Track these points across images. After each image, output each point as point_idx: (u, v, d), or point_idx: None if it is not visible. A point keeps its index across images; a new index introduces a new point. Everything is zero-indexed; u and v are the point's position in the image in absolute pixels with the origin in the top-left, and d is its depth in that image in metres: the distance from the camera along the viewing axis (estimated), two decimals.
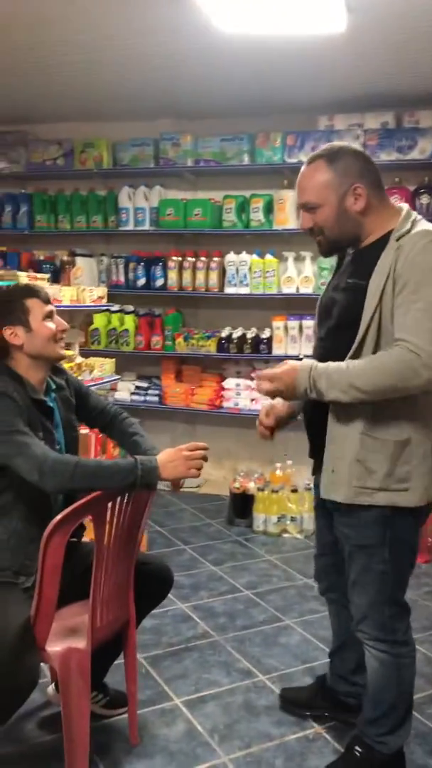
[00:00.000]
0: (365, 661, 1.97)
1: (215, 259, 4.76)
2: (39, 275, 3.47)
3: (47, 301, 2.06)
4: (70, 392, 2.19)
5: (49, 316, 2.04)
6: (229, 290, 4.74)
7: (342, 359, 1.75)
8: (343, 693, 2.24)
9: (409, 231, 1.75)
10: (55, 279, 4.84)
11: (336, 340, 1.83)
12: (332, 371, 1.73)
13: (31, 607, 1.81)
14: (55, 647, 1.85)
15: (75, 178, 5.19)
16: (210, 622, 3.02)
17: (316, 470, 1.98)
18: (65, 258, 4.90)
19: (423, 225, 1.78)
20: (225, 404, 4.84)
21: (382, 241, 1.77)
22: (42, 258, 5.04)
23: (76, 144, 5.05)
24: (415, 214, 1.82)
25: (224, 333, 4.78)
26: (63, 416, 2.13)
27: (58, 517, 1.77)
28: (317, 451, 1.92)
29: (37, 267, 4.95)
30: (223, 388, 4.87)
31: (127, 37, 3.50)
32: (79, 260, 4.85)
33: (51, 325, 2.03)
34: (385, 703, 1.93)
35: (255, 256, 4.66)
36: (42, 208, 5.19)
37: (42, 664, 1.89)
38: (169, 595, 3.16)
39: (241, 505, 4.29)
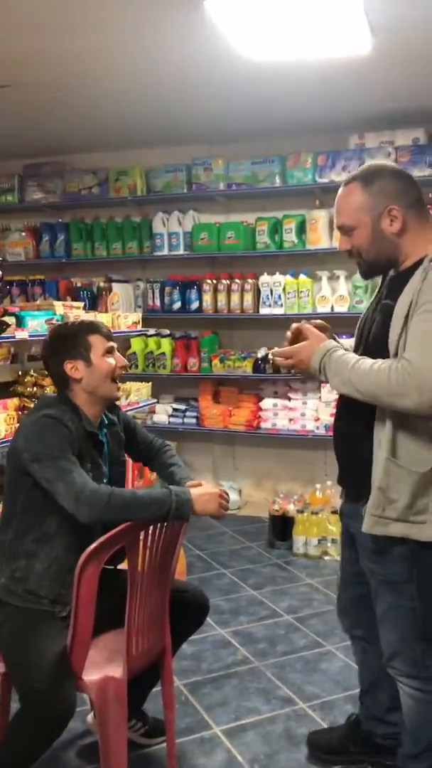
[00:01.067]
0: (400, 698, 1.91)
1: (249, 280, 4.78)
2: (75, 303, 3.54)
3: (109, 337, 2.12)
4: (121, 428, 2.24)
5: (109, 351, 2.09)
6: (263, 311, 4.75)
7: None
8: (381, 735, 2.14)
9: None
10: (93, 305, 4.93)
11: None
12: (341, 362, 1.73)
13: (67, 636, 1.83)
14: (92, 676, 1.86)
15: (110, 206, 5.29)
16: (250, 647, 2.99)
17: (343, 493, 1.97)
18: (102, 284, 5.00)
19: None
20: (263, 425, 4.83)
21: (418, 264, 1.74)
22: (79, 285, 5.13)
23: (110, 173, 5.14)
24: None
25: (260, 353, 4.78)
26: (112, 451, 2.17)
27: (92, 546, 1.78)
28: (345, 477, 1.91)
29: (75, 294, 5.04)
30: (260, 409, 4.86)
31: (156, 67, 3.58)
32: (115, 286, 4.94)
33: (111, 360, 2.08)
34: (423, 740, 1.87)
35: (289, 277, 4.67)
36: (78, 236, 5.29)
37: (81, 693, 1.90)
38: (209, 621, 3.17)
39: (281, 527, 4.26)
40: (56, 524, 1.96)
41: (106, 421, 2.16)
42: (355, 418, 1.81)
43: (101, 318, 3.60)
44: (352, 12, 2.79)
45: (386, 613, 1.85)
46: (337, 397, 1.95)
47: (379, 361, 1.71)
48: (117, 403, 2.26)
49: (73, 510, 1.85)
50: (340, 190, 1.84)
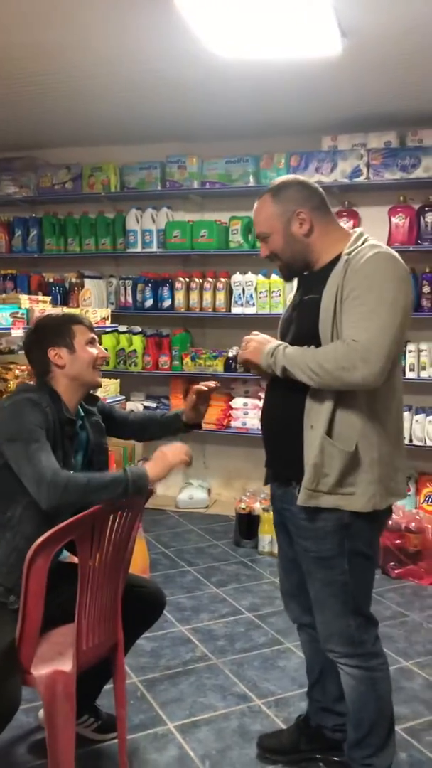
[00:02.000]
0: (342, 683, 1.95)
1: (222, 279, 4.79)
2: (41, 297, 3.51)
3: (91, 329, 2.17)
4: (100, 417, 2.25)
5: (91, 342, 2.13)
6: (235, 310, 4.76)
7: None
8: (331, 728, 2.17)
9: (356, 248, 1.84)
10: (65, 301, 4.91)
11: None
12: (294, 351, 1.84)
13: (14, 630, 1.81)
14: (40, 671, 1.85)
15: (84, 202, 5.26)
16: (209, 644, 3.00)
17: (272, 479, 2.06)
18: (74, 280, 4.98)
19: (372, 242, 1.88)
20: (233, 423, 4.84)
21: (334, 261, 1.87)
22: (51, 280, 5.11)
23: (84, 168, 5.12)
24: (366, 236, 1.91)
25: (231, 353, 4.79)
26: (93, 441, 2.18)
27: (40, 539, 1.77)
28: (277, 462, 2.01)
29: (46, 289, 5.01)
30: (231, 408, 4.87)
31: (129, 64, 3.57)
32: (87, 282, 4.91)
33: (93, 350, 2.12)
34: (365, 721, 1.92)
35: (261, 277, 4.68)
36: (51, 231, 5.26)
37: (30, 687, 1.88)
38: (170, 617, 3.18)
39: (247, 525, 4.27)
40: (20, 511, 1.95)
41: (83, 413, 2.18)
42: (289, 407, 1.90)
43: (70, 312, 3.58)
44: (321, 13, 2.81)
45: (319, 591, 1.91)
46: (264, 392, 2.08)
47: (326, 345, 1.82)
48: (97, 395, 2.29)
49: (35, 493, 1.85)
50: (255, 204, 1.99)
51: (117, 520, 1.95)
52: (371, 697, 1.92)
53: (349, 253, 1.83)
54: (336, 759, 2.12)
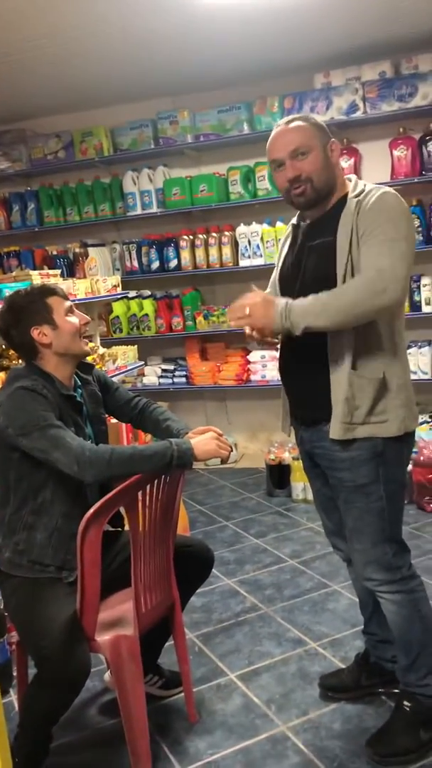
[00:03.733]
0: (384, 611, 2.01)
1: (226, 233, 4.73)
2: (51, 272, 3.49)
3: (65, 297, 2.10)
4: (97, 387, 2.22)
5: (70, 311, 2.07)
6: (243, 263, 4.71)
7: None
8: (390, 658, 2.21)
9: (363, 191, 1.88)
10: (70, 272, 4.88)
11: None
12: (306, 303, 1.79)
13: (75, 601, 1.85)
14: (104, 636, 1.90)
15: (78, 169, 5.18)
16: (258, 595, 3.05)
17: (300, 423, 2.06)
18: (77, 250, 4.94)
19: (373, 185, 1.91)
20: (252, 377, 4.84)
21: (340, 203, 1.88)
22: (55, 253, 5.07)
23: (74, 134, 5.03)
24: (364, 182, 1.94)
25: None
26: (91, 410, 2.16)
27: (90, 511, 1.80)
28: (302, 407, 2.03)
29: (51, 262, 4.98)
30: (248, 362, 4.86)
31: (110, 20, 3.46)
32: (91, 251, 4.87)
33: (74, 319, 2.06)
34: (414, 644, 1.98)
35: (266, 226, 4.62)
36: (49, 203, 5.20)
37: (96, 653, 1.93)
38: (216, 572, 3.23)
39: (279, 475, 4.31)
40: (50, 493, 1.97)
41: (79, 382, 2.15)
42: (309, 351, 1.89)
43: (79, 284, 3.56)
44: None
45: (357, 520, 1.95)
46: (281, 344, 2.04)
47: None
48: (88, 359, 2.22)
49: (76, 473, 1.85)
50: (280, 129, 1.92)
51: (161, 484, 1.97)
52: (415, 617, 1.97)
53: (357, 195, 1.86)
54: (396, 691, 2.18)
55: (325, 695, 2.30)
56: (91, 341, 3.66)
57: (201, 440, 1.99)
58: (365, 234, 1.79)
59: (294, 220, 2.07)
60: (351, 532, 1.99)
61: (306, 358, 1.93)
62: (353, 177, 1.97)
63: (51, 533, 1.97)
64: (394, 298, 1.75)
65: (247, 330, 1.87)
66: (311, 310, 1.77)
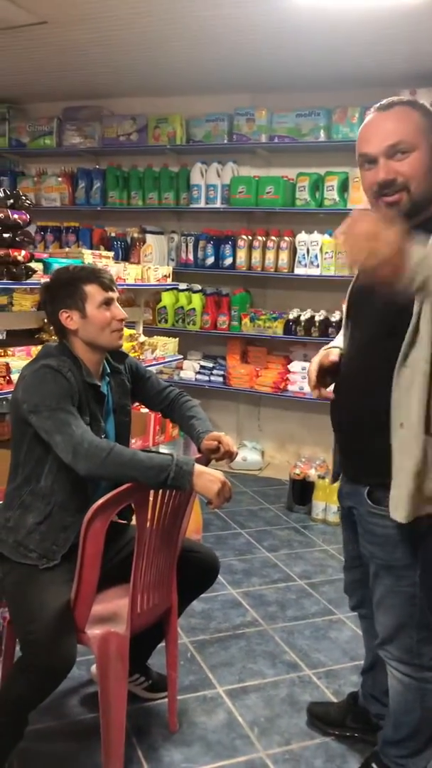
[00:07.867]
0: (388, 681, 1.84)
1: (286, 238, 4.65)
2: (104, 253, 3.47)
3: (109, 288, 2.00)
4: (128, 376, 2.17)
5: (107, 303, 1.98)
6: (298, 271, 4.63)
7: (402, 338, 1.52)
8: (374, 714, 2.11)
9: None
10: (126, 256, 4.87)
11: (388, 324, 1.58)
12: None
13: (71, 590, 1.81)
14: (94, 630, 1.85)
15: (148, 154, 5.16)
16: (260, 610, 2.98)
17: (343, 478, 1.86)
18: (136, 235, 4.92)
19: None
20: (290, 387, 4.75)
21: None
22: (113, 234, 5.06)
23: (150, 119, 5.01)
24: None
25: (292, 315, 4.68)
26: (116, 401, 2.11)
27: (99, 502, 1.75)
28: (348, 456, 1.79)
29: (108, 244, 4.97)
30: (288, 371, 4.78)
31: (199, 10, 3.41)
32: (149, 237, 4.85)
33: (107, 313, 1.98)
34: (407, 726, 1.81)
35: (327, 237, 4.52)
36: (115, 183, 5.19)
37: (83, 645, 1.89)
38: (221, 580, 3.17)
39: (301, 491, 4.22)
40: (52, 479, 1.92)
41: (109, 370, 2.10)
42: (369, 400, 1.61)
43: (130, 269, 3.53)
44: None
45: (384, 597, 1.75)
46: (343, 365, 1.76)
47: None
48: (127, 345, 2.15)
49: (70, 462, 1.79)
50: (380, 113, 1.55)
51: None
52: (417, 706, 1.78)
53: None
54: (375, 745, 2.07)
55: (311, 722, 2.22)
56: (133, 328, 3.64)
57: (207, 474, 1.81)
58: None
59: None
60: (377, 604, 1.78)
61: (365, 407, 1.64)
62: None
63: (42, 520, 1.92)
64: None
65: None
66: None
